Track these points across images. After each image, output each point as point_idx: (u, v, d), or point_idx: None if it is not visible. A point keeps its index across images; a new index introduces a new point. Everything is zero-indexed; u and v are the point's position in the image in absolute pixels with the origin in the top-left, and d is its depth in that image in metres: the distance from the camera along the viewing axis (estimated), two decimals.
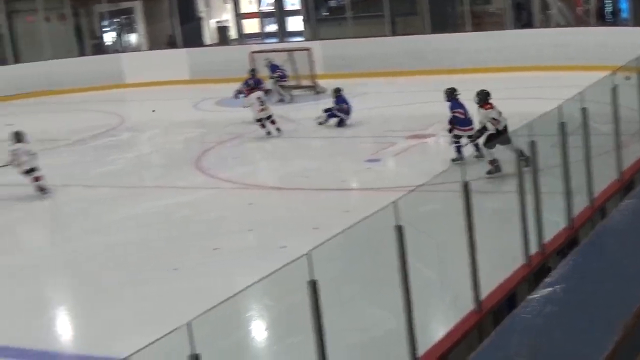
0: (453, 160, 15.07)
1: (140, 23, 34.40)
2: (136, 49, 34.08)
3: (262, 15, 34.89)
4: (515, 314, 7.30)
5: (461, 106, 15.38)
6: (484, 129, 14.52)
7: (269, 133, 19.47)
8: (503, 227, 10.08)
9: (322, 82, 25.28)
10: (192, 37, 32.45)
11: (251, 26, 35.40)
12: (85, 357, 9.15)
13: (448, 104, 15.52)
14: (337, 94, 19.90)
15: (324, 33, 30.23)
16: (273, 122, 19.55)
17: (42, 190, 16.00)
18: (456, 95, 15.52)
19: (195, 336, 5.50)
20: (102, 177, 17.33)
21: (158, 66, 29.42)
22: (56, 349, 9.54)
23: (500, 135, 14.14)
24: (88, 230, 13.83)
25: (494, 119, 14.39)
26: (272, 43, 31.84)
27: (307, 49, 26.05)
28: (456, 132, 15.30)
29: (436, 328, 8.22)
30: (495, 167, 13.91)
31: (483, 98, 14.55)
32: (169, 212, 14.37)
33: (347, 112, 19.72)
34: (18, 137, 16.43)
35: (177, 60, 29.91)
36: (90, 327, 10.04)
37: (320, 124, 19.80)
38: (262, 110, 19.53)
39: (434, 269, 8.74)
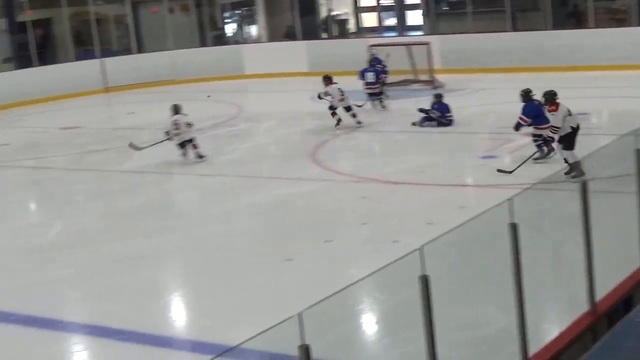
0: (535, 159, 14.96)
1: (261, 15, 34.78)
2: (256, 40, 34.47)
3: (381, 9, 34.83)
4: (630, 317, 7.16)
5: (533, 108, 15.13)
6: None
7: (339, 122, 19.86)
8: (620, 228, 9.87)
9: (439, 77, 25.14)
10: (310, 29, 32.62)
11: (370, 20, 35.41)
12: (199, 343, 9.30)
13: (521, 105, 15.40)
14: (438, 99, 19.53)
15: (443, 27, 30.04)
16: (354, 116, 19.86)
17: (201, 157, 17.59)
18: (531, 96, 15.30)
19: (306, 327, 5.54)
20: (221, 166, 17.60)
21: (277, 58, 29.69)
22: (170, 334, 9.73)
23: (574, 136, 14.06)
24: (206, 218, 14.07)
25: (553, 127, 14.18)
26: (391, 37, 31.78)
27: (425, 43, 25.92)
28: (535, 131, 15.14)
29: (548, 328, 8.09)
30: (579, 171, 13.29)
31: (549, 99, 14.26)
32: (284, 203, 14.50)
33: (445, 121, 19.32)
34: (176, 109, 17.76)
35: (295, 53, 30.14)
36: (203, 314, 10.21)
37: (414, 124, 19.48)
38: (342, 100, 19.90)
39: (548, 268, 8.62)
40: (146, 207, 15.17)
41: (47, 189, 17.38)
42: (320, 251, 11.81)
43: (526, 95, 15.41)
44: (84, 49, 32.60)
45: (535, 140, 15.19)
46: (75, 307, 10.91)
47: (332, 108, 20.08)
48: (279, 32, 33.45)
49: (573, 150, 14.00)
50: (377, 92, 22.37)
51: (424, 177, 15.04)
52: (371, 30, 34.62)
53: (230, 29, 35.24)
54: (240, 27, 35.31)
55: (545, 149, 15.10)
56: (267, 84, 28.54)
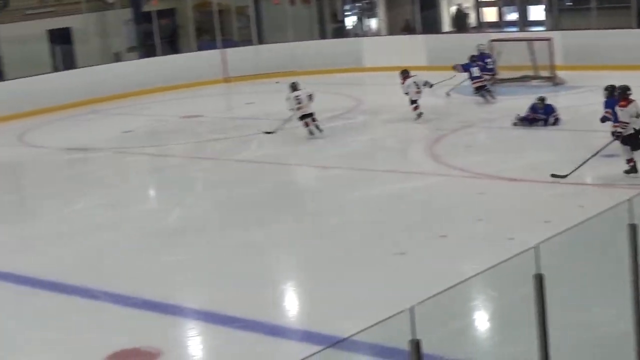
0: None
1: (381, 8, 34.77)
2: (376, 33, 34.47)
3: (503, 4, 34.44)
4: None
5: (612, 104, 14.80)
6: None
7: (419, 115, 20.43)
8: None
9: (560, 74, 24.73)
10: (430, 23, 32.46)
11: (491, 14, 35.05)
12: (310, 333, 9.39)
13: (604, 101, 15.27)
14: (542, 101, 19.18)
15: (566, 23, 29.51)
16: (416, 108, 20.43)
17: (320, 130, 18.65)
18: (615, 93, 14.88)
19: (417, 321, 5.54)
20: (337, 158, 17.68)
21: (396, 51, 29.61)
22: (283, 323, 9.84)
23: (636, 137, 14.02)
24: (321, 209, 14.18)
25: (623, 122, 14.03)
26: (512, 32, 31.39)
27: (547, 39, 25.51)
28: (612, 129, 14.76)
29: None
30: (631, 167, 13.96)
31: (621, 94, 14.16)
32: (400, 197, 14.50)
33: (551, 119, 19.03)
34: (294, 86, 18.78)
35: (414, 46, 30.02)
36: (316, 305, 10.29)
37: (514, 124, 19.22)
38: (418, 92, 20.49)
39: None
40: (263, 196, 15.34)
41: (167, 176, 17.75)
42: (434, 246, 11.79)
43: (611, 91, 15.15)
44: (205, 40, 33.15)
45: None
46: (191, 293, 11.12)
47: (413, 102, 20.48)
48: (399, 26, 33.37)
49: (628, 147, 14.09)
50: (483, 86, 22.34)
51: (541, 175, 14.83)
52: (492, 25, 34.25)
53: (350, 22, 35.33)
54: (360, 20, 35.38)
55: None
56: (385, 77, 28.43)
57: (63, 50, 30.80)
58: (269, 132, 19.64)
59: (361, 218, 13.52)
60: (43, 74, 28.66)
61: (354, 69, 30.17)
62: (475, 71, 22.49)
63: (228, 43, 32.01)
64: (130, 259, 12.44)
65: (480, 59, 23.64)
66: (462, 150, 17.83)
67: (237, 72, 30.46)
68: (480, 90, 22.46)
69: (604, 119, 15.24)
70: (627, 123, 14.02)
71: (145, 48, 33.16)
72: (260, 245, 12.48)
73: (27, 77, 27.79)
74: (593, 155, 14.67)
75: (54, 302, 10.99)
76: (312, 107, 19.10)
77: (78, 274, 11.90)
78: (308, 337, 9.30)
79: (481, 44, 24.63)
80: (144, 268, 11.96)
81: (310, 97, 18.99)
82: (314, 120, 18.76)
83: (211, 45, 31.79)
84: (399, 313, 5.52)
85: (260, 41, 32.31)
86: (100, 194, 16.38)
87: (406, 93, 20.87)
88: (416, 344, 5.52)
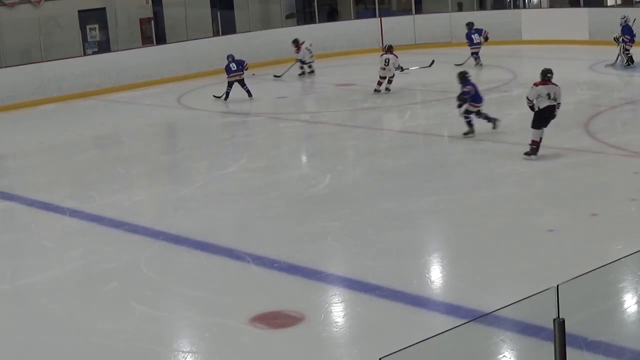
0: (464, 133, 16.70)
1: None
2: (536, 6, 33.75)
3: None
4: None
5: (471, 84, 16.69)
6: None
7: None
8: None
9: None
10: None
11: None
12: (453, 306, 9.31)
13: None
14: None
15: None
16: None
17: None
18: (467, 77, 16.78)
19: (562, 300, 5.43)
20: (490, 131, 17.40)
21: (557, 24, 28.93)
22: (426, 294, 9.78)
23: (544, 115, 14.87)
24: (471, 183, 13.99)
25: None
26: None
27: None
28: (468, 107, 16.69)
29: None
30: (532, 149, 14.82)
31: (542, 76, 15.10)
32: (551, 173, 14.18)
33: None
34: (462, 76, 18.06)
35: (577, 20, 29.22)
36: (461, 278, 10.19)
37: None
38: (383, 69, 21.51)
39: None
40: (413, 167, 15.28)
41: (318, 143, 17.86)
42: (585, 224, 11.51)
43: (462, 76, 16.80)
44: (364, 8, 33.14)
45: (465, 117, 16.71)
46: (336, 260, 11.18)
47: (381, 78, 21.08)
48: None
49: (539, 130, 14.86)
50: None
51: None
52: None
53: None
54: None
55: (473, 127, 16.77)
56: (544, 50, 27.86)
57: (224, 15, 31.34)
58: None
59: (511, 193, 13.31)
60: (203, 38, 29.25)
61: (512, 42, 29.61)
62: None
63: (386, 12, 31.92)
64: (277, 223, 12.59)
65: (627, 32, 23.18)
66: (619, 127, 17.33)
67: (393, 41, 30.25)
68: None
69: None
70: (529, 100, 14.97)
71: (304, 15, 33.42)
72: (408, 215, 12.43)
73: (187, 40, 28.44)
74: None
75: (200, 262, 11.23)
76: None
77: (225, 235, 12.15)
78: (450, 309, 9.22)
79: (625, 15, 24.04)
80: (291, 233, 12.10)
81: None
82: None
83: (369, 14, 31.77)
84: (545, 291, 5.42)
85: (418, 11, 32.08)
86: (253, 158, 16.63)
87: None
88: (561, 323, 5.42)
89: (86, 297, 10.43)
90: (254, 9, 32.12)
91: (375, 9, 31.54)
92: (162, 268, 11.14)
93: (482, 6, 32.97)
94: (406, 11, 32.23)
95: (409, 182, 14.26)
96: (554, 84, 15.05)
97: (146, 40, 29.94)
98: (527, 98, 15.05)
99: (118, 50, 27.93)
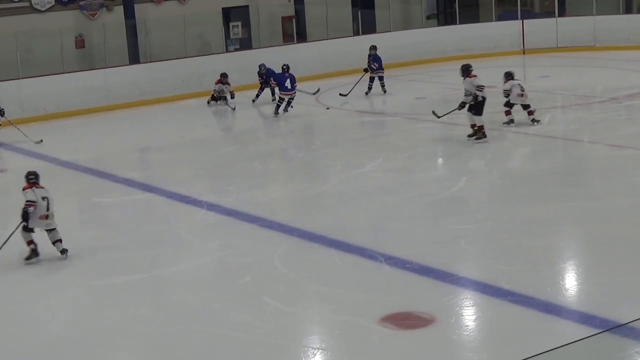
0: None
1: None
2: None
3: None
4: None
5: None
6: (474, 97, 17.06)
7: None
8: None
9: None
10: None
11: None
12: (587, 315, 9.11)
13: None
14: None
15: None
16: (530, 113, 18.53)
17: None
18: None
19: None
20: (634, 137, 16.98)
21: None
22: (560, 302, 9.58)
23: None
24: (611, 189, 13.67)
25: (479, 86, 17.01)
26: None
27: None
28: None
29: None
30: (482, 133, 16.97)
31: (465, 70, 17.23)
32: None
33: None
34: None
35: None
36: (596, 287, 9.96)
37: None
38: (521, 96, 18.54)
39: None
40: (551, 172, 15.03)
41: (454, 145, 17.72)
42: None
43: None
44: (506, 10, 32.73)
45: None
46: (469, 263, 11.09)
47: (508, 105, 18.59)
48: None
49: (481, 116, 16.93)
50: None
51: None
52: None
53: None
54: None
55: None
56: None
57: (364, 14, 31.43)
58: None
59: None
60: (344, 37, 29.41)
61: None
62: None
63: (528, 14, 31.46)
64: (411, 224, 12.58)
65: None
66: None
67: (534, 44, 29.90)
68: None
69: None
70: (466, 91, 17.05)
71: (445, 16, 33.24)
72: (544, 221, 12.24)
73: (327, 39, 28.65)
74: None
75: (333, 259, 11.30)
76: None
77: (359, 234, 12.20)
78: (584, 319, 9.03)
79: None
80: (424, 234, 12.08)
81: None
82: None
83: (511, 16, 31.35)
84: None
85: (561, 13, 31.48)
86: (388, 158, 16.63)
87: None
88: None
89: (220, 290, 10.63)
90: (395, 9, 32.12)
91: (517, 10, 31.11)
92: (295, 264, 11.26)
93: (628, 9, 32.10)
94: (549, 13, 31.69)
95: (547, 187, 14.04)
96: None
97: (287, 38, 30.29)
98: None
99: (259, 48, 28.33)
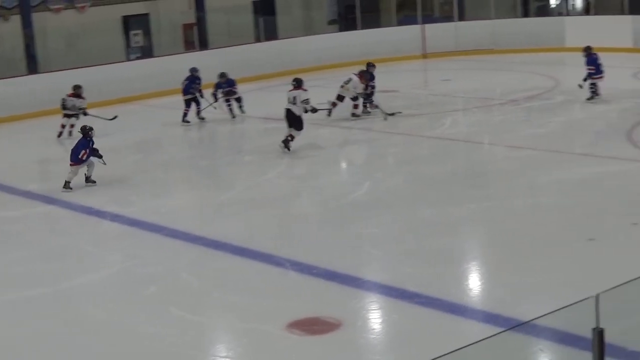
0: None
1: None
2: (581, 13, 33.50)
3: None
4: None
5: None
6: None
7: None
8: None
9: None
10: (638, 3, 31.23)
11: None
12: (491, 314, 9.25)
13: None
14: None
15: None
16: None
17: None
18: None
19: (602, 310, 5.38)
20: (532, 139, 17.32)
21: (600, 32, 28.66)
22: (464, 302, 9.72)
23: None
24: (511, 190, 13.92)
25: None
26: None
27: None
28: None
29: None
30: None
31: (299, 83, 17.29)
32: (593, 181, 14.08)
33: None
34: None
35: (621, 27, 28.94)
36: (499, 286, 10.14)
37: None
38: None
39: None
40: (453, 174, 15.23)
41: (358, 149, 17.84)
42: (626, 233, 11.39)
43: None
44: (406, 15, 33.09)
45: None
46: (376, 267, 11.17)
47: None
48: (607, 6, 32.27)
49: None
50: None
51: None
52: None
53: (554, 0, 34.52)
54: None
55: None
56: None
57: (266, 21, 31.43)
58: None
59: (552, 201, 13.21)
60: (246, 43, 29.37)
61: (555, 49, 29.38)
62: None
63: (428, 19, 31.84)
64: (316, 229, 12.61)
65: None
66: None
67: (435, 48, 30.26)
68: None
69: None
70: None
71: (347, 21, 33.43)
72: (447, 223, 12.39)
73: (229, 46, 28.56)
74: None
75: (238, 267, 11.27)
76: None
77: (264, 241, 12.17)
78: (488, 318, 9.17)
79: None
80: (330, 239, 12.10)
81: None
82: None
83: (411, 21, 31.70)
84: (584, 300, 5.38)
85: (461, 18, 31.96)
86: (292, 165, 16.65)
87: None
88: (599, 333, 5.37)
89: (126, 301, 10.48)
90: (296, 15, 32.22)
91: (417, 15, 31.47)
92: (201, 273, 11.18)
93: (525, 13, 32.76)
94: (449, 18, 32.14)
95: (449, 189, 14.21)
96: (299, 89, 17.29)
97: (189, 46, 30.12)
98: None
99: (161, 56, 28.11)
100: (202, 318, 9.81)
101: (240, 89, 22.49)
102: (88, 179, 15.73)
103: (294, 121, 17.05)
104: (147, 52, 29.37)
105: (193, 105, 21.25)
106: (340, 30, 33.21)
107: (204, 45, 29.75)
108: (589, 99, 20.30)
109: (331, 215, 13.23)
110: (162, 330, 9.41)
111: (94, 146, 15.72)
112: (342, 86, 20.57)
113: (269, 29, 31.37)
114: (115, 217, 13.80)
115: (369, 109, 20.27)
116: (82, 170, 15.65)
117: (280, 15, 32.35)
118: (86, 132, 15.73)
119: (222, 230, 12.75)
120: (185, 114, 21.19)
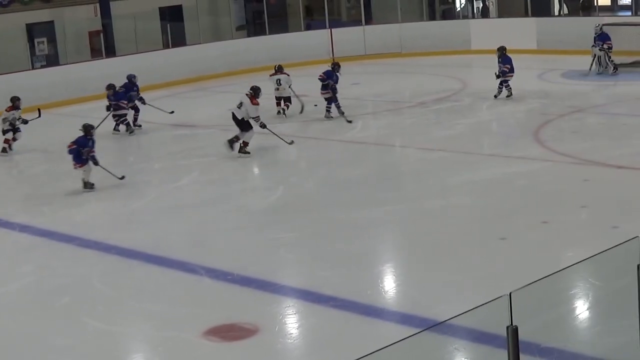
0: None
1: None
2: (485, 15, 34.02)
3: None
4: None
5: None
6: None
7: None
8: None
9: None
10: (541, 6, 31.85)
11: None
12: (407, 315, 9.34)
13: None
14: None
15: None
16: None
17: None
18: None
19: (515, 308, 5.46)
20: (441, 140, 17.53)
21: (505, 34, 29.11)
22: (380, 304, 9.80)
23: None
24: (423, 192, 14.08)
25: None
26: (625, 16, 30.64)
27: None
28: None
29: None
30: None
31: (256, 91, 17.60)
32: (503, 181, 14.32)
33: None
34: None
35: (525, 29, 29.46)
36: (414, 287, 10.25)
37: None
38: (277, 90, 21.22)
39: None
40: (365, 177, 15.31)
41: (270, 154, 17.82)
42: (536, 232, 11.60)
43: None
44: (314, 19, 33.17)
45: None
46: (289, 271, 11.19)
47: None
48: (510, 9, 32.84)
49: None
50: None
51: None
52: (605, 9, 33.46)
53: (459, 3, 34.96)
54: (470, 1, 34.96)
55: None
56: (493, 59, 28.06)
57: (173, 27, 31.19)
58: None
59: (463, 202, 13.38)
60: (154, 50, 29.11)
61: (462, 51, 29.80)
62: None
63: (336, 23, 31.97)
64: (230, 235, 12.55)
65: (603, 39, 23.42)
66: (568, 135, 17.52)
67: (343, 52, 30.37)
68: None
69: None
70: (258, 116, 17.19)
71: (255, 26, 33.38)
72: (361, 226, 12.46)
73: (137, 53, 28.28)
74: None
75: (153, 275, 11.19)
76: None
77: (178, 248, 12.08)
78: (404, 319, 9.26)
79: (599, 23, 24.29)
80: (244, 245, 12.07)
81: None
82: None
83: (319, 25, 31.80)
84: (498, 298, 5.46)
85: (368, 22, 32.17)
86: (205, 171, 16.56)
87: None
88: (514, 330, 5.45)
89: (39, 313, 10.30)
90: (204, 21, 32.00)
91: (325, 20, 31.58)
92: (114, 282, 11.05)
93: (431, 16, 33.13)
94: (356, 22, 32.31)
95: (362, 192, 14.29)
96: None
97: (95, 53, 29.72)
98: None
99: (67, 64, 27.71)
100: (117, 328, 9.71)
101: (150, 95, 22.30)
102: (86, 184, 15.41)
103: (239, 124, 17.22)
104: (52, 60, 28.90)
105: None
106: (249, 35, 33.16)
107: (110, 52, 29.38)
108: (508, 97, 20.74)
109: (245, 221, 13.20)
110: (76, 342, 9.29)
111: (94, 147, 15.47)
112: (277, 89, 21.23)
113: (176, 35, 31.10)
114: (25, 228, 13.56)
115: (331, 114, 20.19)
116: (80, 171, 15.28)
117: (188, 21, 32.14)
118: (88, 130, 15.47)
119: (135, 238, 12.62)
120: (135, 119, 20.91)
